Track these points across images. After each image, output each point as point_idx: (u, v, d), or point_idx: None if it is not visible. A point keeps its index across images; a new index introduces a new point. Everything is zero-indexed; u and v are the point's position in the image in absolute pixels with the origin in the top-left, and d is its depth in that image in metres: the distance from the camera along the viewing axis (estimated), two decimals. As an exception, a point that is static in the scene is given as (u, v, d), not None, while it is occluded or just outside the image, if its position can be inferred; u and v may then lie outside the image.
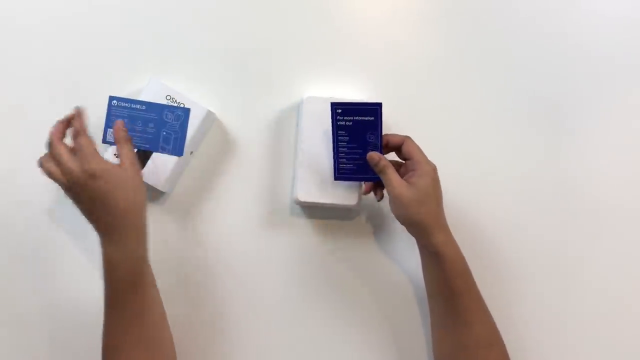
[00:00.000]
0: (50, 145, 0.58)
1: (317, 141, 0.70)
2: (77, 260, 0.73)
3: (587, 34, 0.76)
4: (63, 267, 0.72)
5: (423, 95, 0.76)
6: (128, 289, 0.58)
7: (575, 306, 0.72)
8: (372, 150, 0.65)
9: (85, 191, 0.56)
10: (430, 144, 0.74)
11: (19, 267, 0.73)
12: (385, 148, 0.66)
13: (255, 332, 0.71)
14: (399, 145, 0.65)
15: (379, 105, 0.64)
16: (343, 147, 0.66)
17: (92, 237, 0.72)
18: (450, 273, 0.62)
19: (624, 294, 0.72)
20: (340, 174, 0.67)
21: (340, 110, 0.65)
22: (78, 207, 0.57)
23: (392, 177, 0.63)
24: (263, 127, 0.75)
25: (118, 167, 0.57)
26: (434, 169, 0.63)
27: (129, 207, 0.57)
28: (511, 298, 0.72)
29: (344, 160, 0.66)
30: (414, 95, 0.76)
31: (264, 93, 0.75)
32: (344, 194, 0.69)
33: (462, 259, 0.63)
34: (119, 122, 0.62)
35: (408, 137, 0.65)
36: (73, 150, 0.57)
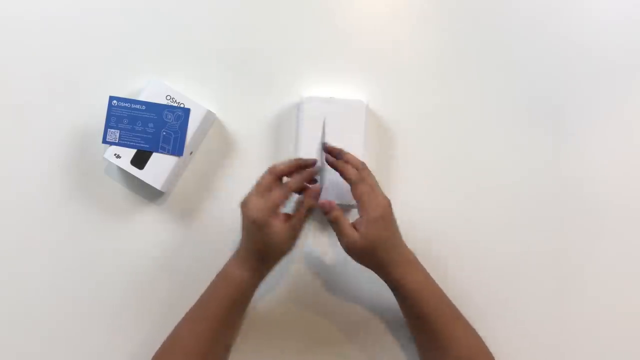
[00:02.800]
0: (261, 176, 0.64)
1: (317, 141, 0.70)
2: (75, 259, 0.73)
3: (588, 34, 0.76)
4: (60, 268, 0.73)
5: (423, 95, 0.76)
6: (216, 301, 0.63)
7: (576, 307, 0.72)
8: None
9: (248, 226, 0.62)
10: (431, 144, 0.74)
11: (18, 266, 0.73)
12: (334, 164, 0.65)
13: (253, 331, 0.71)
14: (348, 182, 0.63)
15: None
16: None
17: (90, 238, 0.73)
18: (415, 301, 0.62)
19: (625, 295, 0.72)
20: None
21: None
22: (243, 222, 0.63)
23: (343, 227, 0.61)
24: (263, 127, 0.75)
25: (278, 229, 0.61)
26: (380, 214, 0.60)
27: (260, 254, 0.62)
28: (511, 298, 0.72)
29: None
30: (414, 95, 0.76)
31: (264, 93, 0.75)
32: (344, 194, 0.69)
33: (426, 283, 0.63)
34: (317, 189, 0.65)
35: (358, 180, 0.62)
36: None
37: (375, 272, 0.64)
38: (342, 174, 0.64)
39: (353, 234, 0.61)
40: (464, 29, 0.77)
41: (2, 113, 0.75)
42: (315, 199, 0.64)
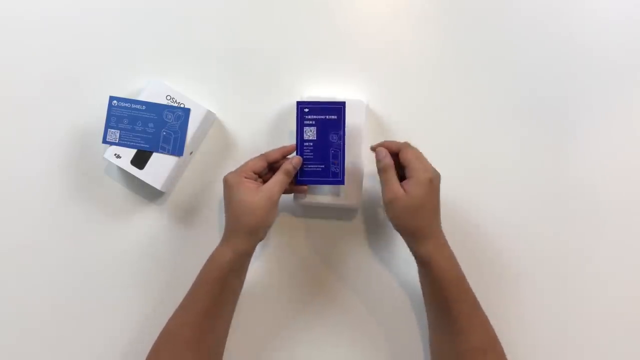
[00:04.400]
0: None
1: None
2: (75, 259, 0.73)
3: (589, 34, 0.76)
4: (60, 267, 0.73)
5: (423, 95, 0.76)
6: (203, 284, 0.62)
7: (576, 306, 0.72)
8: (336, 151, 0.65)
9: (224, 194, 0.64)
10: (431, 144, 0.74)
11: (17, 266, 0.73)
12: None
13: (252, 331, 0.71)
14: (396, 152, 0.64)
15: (343, 104, 0.64)
16: (308, 148, 0.65)
17: (90, 238, 0.73)
18: (441, 281, 0.61)
19: (625, 295, 0.72)
20: (302, 176, 0.66)
21: (308, 110, 0.64)
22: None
23: (390, 180, 0.62)
24: (263, 127, 0.75)
25: (250, 187, 0.62)
26: (430, 178, 0.61)
27: (235, 221, 0.62)
28: (512, 298, 0.72)
29: (307, 162, 0.65)
30: (414, 96, 0.76)
31: (264, 93, 0.75)
32: (344, 194, 0.69)
33: (454, 266, 0.62)
34: (297, 159, 0.65)
35: (406, 145, 0.64)
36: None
37: (407, 240, 0.63)
38: (387, 148, 0.64)
39: (399, 189, 0.61)
40: (465, 29, 0.77)
41: (2, 113, 0.75)
42: (294, 166, 0.64)
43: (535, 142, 0.74)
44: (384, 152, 0.63)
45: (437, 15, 0.77)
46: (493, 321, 0.64)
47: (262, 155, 0.65)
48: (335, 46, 0.76)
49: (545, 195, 0.73)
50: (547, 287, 0.72)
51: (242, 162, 0.65)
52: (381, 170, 0.63)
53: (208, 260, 0.64)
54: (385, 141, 0.65)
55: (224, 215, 0.63)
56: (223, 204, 0.63)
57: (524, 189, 0.74)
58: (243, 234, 0.62)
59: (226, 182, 0.63)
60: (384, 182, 0.62)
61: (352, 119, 0.70)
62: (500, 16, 0.77)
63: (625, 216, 0.73)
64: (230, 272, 0.62)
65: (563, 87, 0.75)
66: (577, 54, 0.76)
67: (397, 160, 0.64)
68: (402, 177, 0.63)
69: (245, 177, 0.62)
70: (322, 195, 0.69)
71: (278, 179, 0.63)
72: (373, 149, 0.65)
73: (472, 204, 0.73)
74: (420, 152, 0.64)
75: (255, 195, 0.61)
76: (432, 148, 0.74)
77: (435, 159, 0.71)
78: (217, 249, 0.63)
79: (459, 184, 0.73)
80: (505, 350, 0.63)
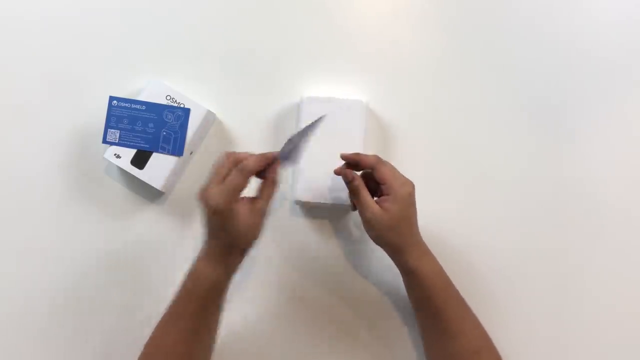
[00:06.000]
0: (218, 163, 0.60)
1: (317, 141, 0.70)
2: (75, 259, 0.73)
3: (587, 35, 0.76)
4: (60, 267, 0.73)
5: (424, 95, 0.76)
6: (191, 301, 0.61)
7: (574, 309, 0.72)
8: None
9: (210, 218, 0.59)
10: (430, 144, 0.74)
11: (17, 266, 0.73)
12: (355, 168, 0.64)
13: (251, 332, 0.71)
14: (370, 167, 0.62)
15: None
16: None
17: (90, 238, 0.73)
18: (428, 289, 0.61)
19: (623, 298, 0.72)
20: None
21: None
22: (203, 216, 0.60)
23: (365, 200, 0.61)
24: (263, 127, 0.75)
25: (244, 211, 0.58)
26: (409, 192, 0.61)
27: (230, 243, 0.60)
28: (509, 301, 0.72)
29: None
30: (414, 96, 0.76)
31: (264, 93, 0.75)
32: (343, 194, 0.69)
33: (439, 272, 0.63)
34: (277, 165, 0.61)
35: (379, 161, 0.62)
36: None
37: (390, 254, 0.63)
38: (360, 162, 0.63)
39: (376, 207, 0.60)
40: (464, 29, 0.77)
41: (3, 113, 0.75)
42: (278, 172, 0.61)
43: (534, 142, 0.74)
44: (350, 173, 0.63)
45: (437, 15, 0.77)
46: (491, 321, 0.64)
47: (242, 169, 0.58)
48: (335, 46, 0.76)
49: (545, 195, 0.73)
50: (545, 288, 0.72)
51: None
52: (353, 191, 0.62)
53: (195, 277, 0.61)
54: (357, 154, 0.63)
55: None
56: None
57: (523, 189, 0.74)
58: (240, 251, 0.61)
59: (216, 211, 0.57)
60: (359, 202, 0.62)
61: (352, 119, 0.71)
62: (500, 17, 0.77)
63: (624, 215, 0.73)
64: (219, 289, 0.61)
65: (562, 87, 0.75)
66: (576, 54, 0.76)
67: (366, 174, 0.64)
68: (372, 190, 0.63)
69: (235, 201, 0.58)
70: (322, 195, 0.69)
71: (269, 194, 0.60)
72: (337, 172, 0.64)
73: (470, 204, 0.73)
74: (392, 165, 0.62)
75: (251, 216, 0.58)
76: (432, 148, 0.74)
77: (435, 159, 0.71)
78: (204, 267, 0.60)
79: (458, 184, 0.73)
80: (504, 350, 0.63)
